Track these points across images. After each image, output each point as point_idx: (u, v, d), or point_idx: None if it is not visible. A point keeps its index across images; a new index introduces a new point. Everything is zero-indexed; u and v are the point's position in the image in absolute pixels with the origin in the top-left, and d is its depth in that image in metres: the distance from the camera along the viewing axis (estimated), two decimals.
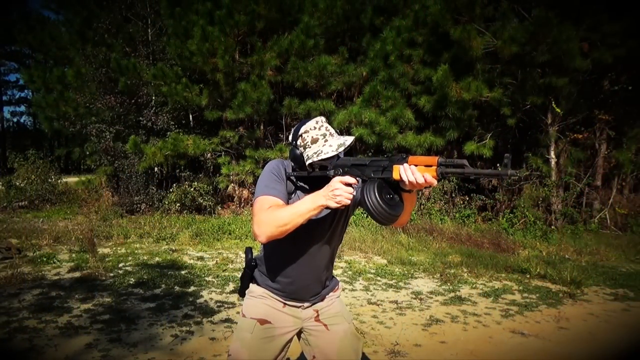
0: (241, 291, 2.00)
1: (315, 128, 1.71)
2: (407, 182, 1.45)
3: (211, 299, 4.65)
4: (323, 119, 1.76)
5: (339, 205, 1.51)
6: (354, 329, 1.95)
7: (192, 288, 4.97)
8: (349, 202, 1.51)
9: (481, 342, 3.78)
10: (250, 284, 1.96)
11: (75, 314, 4.08)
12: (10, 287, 4.77)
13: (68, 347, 3.39)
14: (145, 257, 6.33)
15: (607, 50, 8.44)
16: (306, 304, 1.89)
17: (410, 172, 1.43)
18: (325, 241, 1.82)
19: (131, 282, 5.10)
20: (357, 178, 1.56)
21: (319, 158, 1.65)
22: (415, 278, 5.77)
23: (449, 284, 5.49)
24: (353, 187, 1.53)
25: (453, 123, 9.61)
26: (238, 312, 4.27)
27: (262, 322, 1.83)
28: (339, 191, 1.50)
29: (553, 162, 9.34)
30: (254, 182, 11.24)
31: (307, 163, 1.69)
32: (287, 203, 1.71)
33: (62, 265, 5.75)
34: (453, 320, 4.27)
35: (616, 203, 9.57)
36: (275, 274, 1.86)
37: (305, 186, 1.78)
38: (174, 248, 7.00)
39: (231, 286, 5.09)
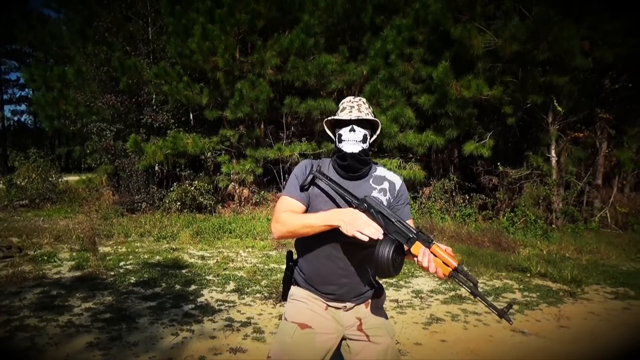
0: (283, 294, 1.98)
1: (350, 101, 1.87)
2: (418, 263, 1.58)
3: (212, 297, 4.65)
4: (364, 99, 1.88)
5: (353, 235, 1.58)
6: (395, 345, 1.90)
7: (192, 287, 4.97)
8: (363, 239, 1.57)
9: (482, 341, 3.78)
10: (292, 287, 1.95)
11: (76, 312, 4.08)
12: (11, 285, 4.78)
13: (69, 345, 3.40)
14: (146, 256, 6.33)
15: (608, 49, 8.43)
16: (348, 305, 1.86)
17: (426, 259, 1.56)
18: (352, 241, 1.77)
19: (132, 281, 5.11)
20: (383, 233, 1.62)
21: (332, 118, 1.85)
22: (416, 277, 5.77)
23: (449, 283, 5.49)
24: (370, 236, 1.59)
25: (453, 122, 9.60)
26: (239, 311, 4.28)
27: (303, 326, 1.80)
28: (360, 227, 1.57)
29: (554, 160, 9.34)
30: (254, 181, 11.25)
31: (324, 121, 1.90)
32: (307, 202, 1.81)
33: (63, 264, 5.76)
34: (453, 319, 4.27)
35: (617, 202, 9.56)
36: (307, 270, 1.87)
37: (330, 184, 1.79)
38: (174, 247, 7.01)
39: (232, 285, 5.09)
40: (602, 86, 9.64)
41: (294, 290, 1.93)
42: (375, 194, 1.82)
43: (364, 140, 1.80)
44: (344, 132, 1.80)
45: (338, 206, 1.77)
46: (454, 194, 10.05)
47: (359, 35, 11.69)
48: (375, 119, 1.82)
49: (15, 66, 31.91)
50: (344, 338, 1.87)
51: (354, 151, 1.78)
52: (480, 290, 5.24)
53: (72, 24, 13.79)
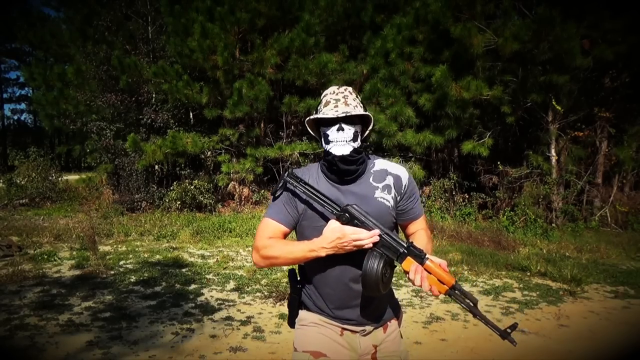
0: (290, 321, 1.75)
1: (334, 93, 1.58)
2: (411, 280, 1.42)
3: (212, 296, 4.66)
4: (350, 89, 1.61)
5: (355, 249, 1.47)
6: None
7: (192, 286, 4.98)
8: (368, 247, 1.46)
9: (481, 340, 3.78)
10: (300, 311, 1.71)
11: (76, 311, 4.09)
12: (11, 284, 4.78)
13: (69, 344, 3.40)
14: (146, 255, 6.34)
15: (608, 48, 8.41)
16: (367, 328, 1.65)
17: (419, 277, 1.40)
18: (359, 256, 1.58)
19: (132, 280, 5.11)
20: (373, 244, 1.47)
21: (315, 116, 1.56)
22: None
23: None
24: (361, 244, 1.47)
25: (453, 122, 9.60)
26: (239, 310, 4.28)
27: (317, 355, 1.58)
28: (352, 240, 1.45)
29: (554, 159, 9.33)
30: (254, 180, 11.25)
31: (306, 121, 1.61)
32: (292, 221, 1.61)
33: (63, 263, 5.76)
34: (453, 318, 4.28)
35: (617, 200, 9.55)
36: (317, 293, 1.66)
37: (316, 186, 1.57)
38: (174, 246, 7.01)
39: (232, 284, 5.10)
40: (602, 85, 9.63)
41: (303, 314, 1.69)
42: (378, 193, 1.59)
43: (355, 138, 1.53)
44: (331, 132, 1.52)
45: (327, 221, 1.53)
46: (454, 193, 10.05)
47: (359, 34, 11.68)
48: (366, 113, 1.56)
49: (15, 65, 31.98)
50: None
51: (344, 153, 1.52)
52: (480, 286, 5.25)
53: (72, 23, 13.80)
